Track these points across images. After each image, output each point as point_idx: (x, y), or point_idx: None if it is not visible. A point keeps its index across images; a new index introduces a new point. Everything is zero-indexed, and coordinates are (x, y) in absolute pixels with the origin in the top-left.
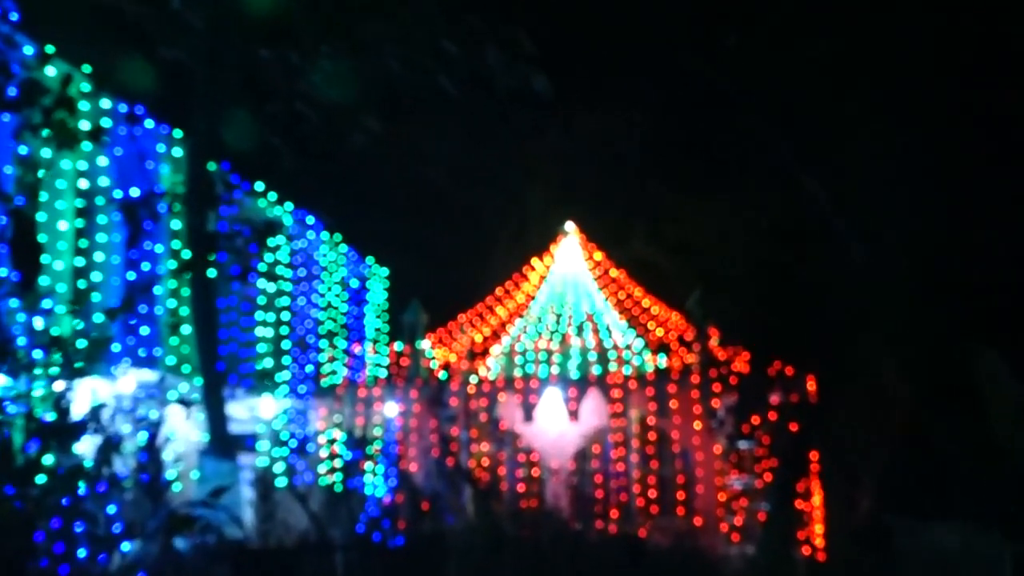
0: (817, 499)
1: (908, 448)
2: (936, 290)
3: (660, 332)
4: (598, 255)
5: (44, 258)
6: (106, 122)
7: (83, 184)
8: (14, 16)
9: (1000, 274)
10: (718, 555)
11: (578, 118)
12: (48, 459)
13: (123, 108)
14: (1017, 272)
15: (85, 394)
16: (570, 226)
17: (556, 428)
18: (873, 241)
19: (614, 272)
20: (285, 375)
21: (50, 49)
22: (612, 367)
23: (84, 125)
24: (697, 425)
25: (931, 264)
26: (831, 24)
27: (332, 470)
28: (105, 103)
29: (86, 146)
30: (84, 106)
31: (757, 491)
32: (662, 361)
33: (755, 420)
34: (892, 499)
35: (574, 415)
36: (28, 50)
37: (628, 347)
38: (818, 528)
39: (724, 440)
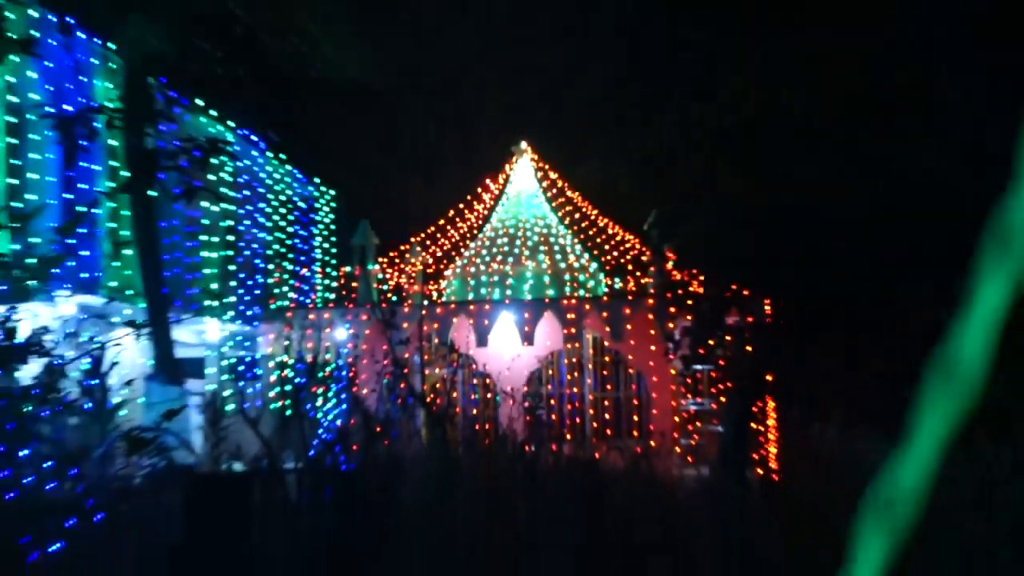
0: (772, 421)
1: (870, 376)
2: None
3: (616, 254)
4: (553, 175)
5: None
6: (36, 33)
7: (13, 99)
8: None
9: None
10: (673, 477)
11: (535, 29)
12: None
13: (54, 18)
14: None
15: (27, 319)
16: (524, 145)
17: (510, 351)
18: (829, 172)
19: (570, 193)
20: (232, 298)
21: None
22: (567, 290)
23: (13, 35)
24: (652, 348)
25: (882, 200)
26: None
27: (282, 395)
28: (34, 13)
29: (15, 58)
30: (12, 14)
31: (712, 413)
32: (618, 283)
33: (711, 342)
34: (852, 424)
35: (528, 338)
36: None
37: (584, 269)
38: (772, 450)
39: (680, 363)
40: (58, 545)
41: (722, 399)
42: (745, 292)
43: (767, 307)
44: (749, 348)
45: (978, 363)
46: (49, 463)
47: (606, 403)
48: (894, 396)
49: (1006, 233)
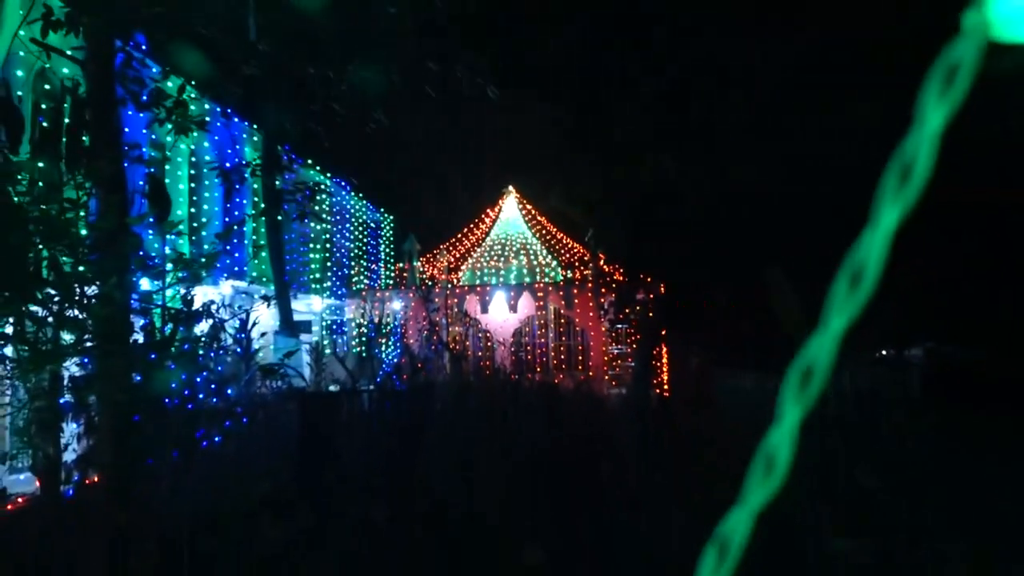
0: (665, 359)
1: (723, 330)
2: (742, 234)
3: (568, 256)
4: (529, 206)
5: (171, 205)
6: (208, 117)
7: (193, 159)
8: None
9: (785, 222)
10: (603, 394)
11: (517, 115)
12: (178, 336)
13: (218, 108)
14: (792, 218)
15: (200, 295)
16: (510, 187)
17: (502, 316)
18: (703, 201)
19: (540, 217)
20: (328, 283)
21: (168, 69)
22: (537, 277)
23: (193, 119)
24: (591, 314)
25: (737, 218)
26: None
27: (360, 343)
28: (207, 105)
29: (195, 133)
30: (193, 106)
31: (628, 354)
32: (569, 274)
33: (627, 310)
34: (713, 360)
35: (513, 308)
36: (155, 68)
37: (548, 265)
38: (665, 377)
39: (608, 323)
40: (218, 439)
41: (634, 346)
42: (648, 279)
43: (662, 288)
44: (651, 314)
45: (874, 271)
46: (213, 386)
47: (562, 349)
48: (730, 346)
49: (905, 167)
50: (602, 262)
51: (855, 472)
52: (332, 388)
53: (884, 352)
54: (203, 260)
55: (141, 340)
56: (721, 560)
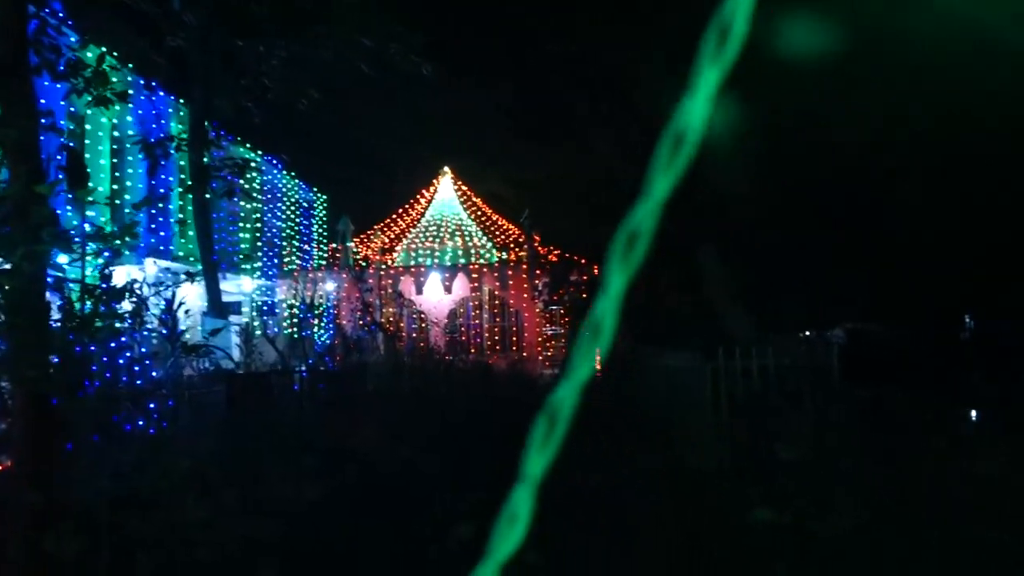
0: None
1: (655, 308)
2: (678, 211)
3: (503, 237)
4: (465, 187)
5: (90, 180)
6: (131, 90)
7: (115, 133)
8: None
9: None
10: (536, 374)
11: (454, 95)
12: (99, 314)
13: (142, 80)
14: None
15: (123, 275)
16: (446, 168)
17: (437, 297)
18: (638, 179)
19: (475, 199)
20: (258, 263)
21: (87, 36)
22: (472, 259)
23: (116, 90)
24: (525, 295)
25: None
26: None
27: (292, 324)
28: (130, 77)
29: (117, 107)
30: (114, 77)
31: (561, 335)
32: (504, 255)
33: (561, 292)
34: (643, 340)
35: (448, 289)
36: (72, 37)
37: (483, 246)
38: (598, 357)
39: (542, 304)
40: (141, 421)
41: (567, 327)
42: (583, 260)
43: (596, 270)
44: (584, 295)
45: (697, 132)
46: (137, 367)
47: (496, 329)
48: (663, 326)
49: (723, 29)
50: (537, 243)
51: (774, 445)
52: (263, 369)
53: (807, 332)
54: (120, 231)
55: (58, 318)
56: (550, 428)
